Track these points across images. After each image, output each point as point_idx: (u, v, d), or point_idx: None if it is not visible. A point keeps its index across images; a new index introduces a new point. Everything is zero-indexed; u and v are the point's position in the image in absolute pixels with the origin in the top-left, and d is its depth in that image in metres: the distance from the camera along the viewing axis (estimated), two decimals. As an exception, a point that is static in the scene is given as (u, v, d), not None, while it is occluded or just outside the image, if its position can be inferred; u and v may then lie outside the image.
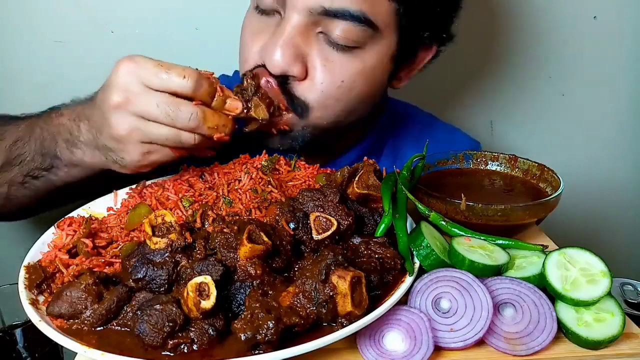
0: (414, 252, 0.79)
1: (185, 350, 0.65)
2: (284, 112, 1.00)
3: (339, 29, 0.96)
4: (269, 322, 0.63)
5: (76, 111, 0.94)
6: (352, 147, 1.25)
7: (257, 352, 0.63)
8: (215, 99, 0.85)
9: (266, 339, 0.62)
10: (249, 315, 0.64)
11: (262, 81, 0.99)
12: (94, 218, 0.90)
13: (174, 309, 0.65)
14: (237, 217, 0.84)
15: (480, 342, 0.71)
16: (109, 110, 0.83)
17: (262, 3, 1.01)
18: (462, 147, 1.31)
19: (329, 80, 0.99)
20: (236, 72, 1.32)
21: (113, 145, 0.86)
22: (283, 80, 0.99)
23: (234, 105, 0.88)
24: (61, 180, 0.99)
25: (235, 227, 0.75)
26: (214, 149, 0.92)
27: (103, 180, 0.97)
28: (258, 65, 1.02)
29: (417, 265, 0.78)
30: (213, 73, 0.88)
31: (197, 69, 0.84)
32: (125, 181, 0.96)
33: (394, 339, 0.70)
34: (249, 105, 0.92)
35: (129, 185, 0.96)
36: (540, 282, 0.76)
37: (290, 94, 1.00)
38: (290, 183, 0.95)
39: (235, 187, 0.90)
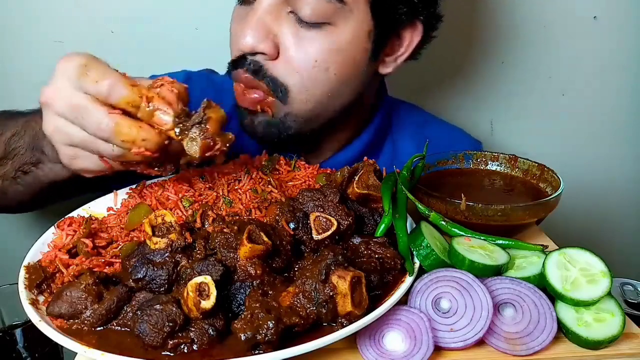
0: (414, 252, 0.79)
1: (185, 350, 0.65)
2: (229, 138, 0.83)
3: (307, 6, 0.97)
4: (269, 322, 0.63)
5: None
6: (350, 143, 1.24)
7: (257, 352, 0.63)
8: (139, 108, 0.74)
9: (266, 339, 0.62)
10: (249, 315, 0.64)
11: (241, 78, 1.00)
12: (94, 218, 0.90)
13: (174, 309, 0.65)
14: (237, 217, 0.84)
15: (480, 342, 0.71)
16: (42, 106, 0.79)
17: None
18: (463, 146, 1.31)
19: (302, 59, 1.00)
20: None
21: (49, 144, 0.82)
22: (257, 67, 1.00)
23: (162, 119, 0.75)
24: (47, 177, 0.98)
25: (235, 227, 0.76)
26: (160, 168, 0.82)
27: (91, 183, 0.95)
28: (233, 61, 1.03)
29: (417, 265, 0.78)
30: (174, 82, 0.79)
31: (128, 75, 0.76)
32: (125, 181, 0.96)
33: (394, 339, 0.70)
34: (185, 132, 0.76)
35: (129, 185, 0.96)
36: (540, 282, 0.76)
37: (267, 76, 1.01)
38: (290, 183, 0.95)
39: (235, 187, 0.90)
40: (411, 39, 1.11)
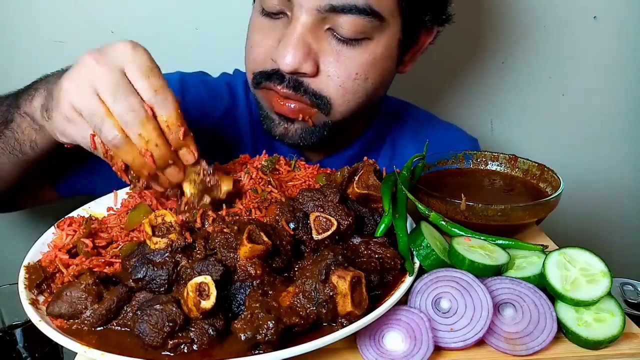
0: (414, 252, 0.79)
1: (185, 350, 0.65)
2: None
3: (347, 24, 0.98)
4: (269, 322, 0.63)
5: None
6: (352, 142, 1.25)
7: (257, 352, 0.63)
8: (172, 131, 0.79)
9: (266, 339, 0.62)
10: (249, 315, 0.64)
11: (280, 92, 1.02)
12: (94, 218, 0.90)
13: (174, 309, 0.65)
14: (237, 217, 0.84)
15: (480, 342, 0.71)
16: (80, 63, 0.80)
17: (268, 5, 1.02)
18: (460, 143, 1.31)
19: (344, 75, 1.02)
20: (237, 70, 1.33)
21: (55, 94, 0.83)
22: (295, 84, 1.02)
23: (186, 157, 0.81)
24: (15, 140, 0.99)
25: (235, 227, 0.75)
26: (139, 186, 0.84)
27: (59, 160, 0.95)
28: (267, 71, 1.04)
29: (417, 265, 0.78)
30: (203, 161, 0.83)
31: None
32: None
33: (394, 339, 0.70)
34: (194, 182, 0.84)
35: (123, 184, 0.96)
36: (540, 282, 0.76)
37: (309, 92, 1.03)
38: (290, 183, 0.95)
39: (239, 190, 0.90)
40: (426, 38, 1.15)
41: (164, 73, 1.31)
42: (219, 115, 1.23)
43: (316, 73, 1.02)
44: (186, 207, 0.85)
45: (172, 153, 0.80)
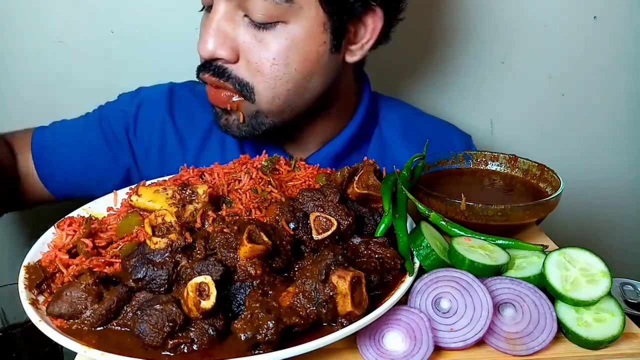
0: (414, 252, 0.79)
1: (185, 350, 0.65)
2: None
3: (258, 8, 0.99)
4: (269, 322, 0.63)
5: None
6: (334, 136, 1.24)
7: (257, 352, 0.63)
8: None
9: (266, 339, 0.62)
10: (249, 315, 0.64)
11: (207, 81, 1.05)
12: (94, 218, 0.90)
13: (174, 309, 0.65)
14: (237, 217, 0.84)
15: (480, 342, 0.71)
16: None
17: (203, 0, 1.07)
18: (452, 138, 1.30)
19: (261, 59, 1.02)
20: None
21: None
22: (219, 70, 1.03)
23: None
24: None
25: (235, 227, 0.75)
26: None
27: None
28: (198, 66, 1.07)
29: (417, 265, 0.78)
30: None
31: None
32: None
33: (394, 339, 0.70)
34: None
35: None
36: (540, 282, 0.76)
37: (232, 77, 1.04)
38: (290, 183, 0.95)
39: (235, 187, 0.90)
40: (374, 24, 1.10)
41: (156, 84, 1.34)
42: (208, 124, 1.24)
43: (236, 60, 1.03)
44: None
45: None
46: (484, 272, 0.76)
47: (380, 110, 1.32)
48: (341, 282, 0.67)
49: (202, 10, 1.11)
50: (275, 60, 1.02)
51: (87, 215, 0.91)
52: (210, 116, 1.16)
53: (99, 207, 0.94)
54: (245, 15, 1.01)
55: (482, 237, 0.84)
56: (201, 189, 0.86)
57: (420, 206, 0.88)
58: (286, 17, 1.00)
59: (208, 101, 1.12)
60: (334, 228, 0.76)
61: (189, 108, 1.27)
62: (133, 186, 0.96)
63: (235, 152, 1.21)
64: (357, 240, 0.80)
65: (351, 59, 1.13)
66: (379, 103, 1.33)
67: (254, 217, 0.85)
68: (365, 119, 1.26)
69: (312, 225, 0.77)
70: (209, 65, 1.05)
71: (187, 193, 0.86)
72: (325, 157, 1.20)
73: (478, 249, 0.80)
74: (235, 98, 1.06)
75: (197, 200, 0.85)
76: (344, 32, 1.08)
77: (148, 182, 0.96)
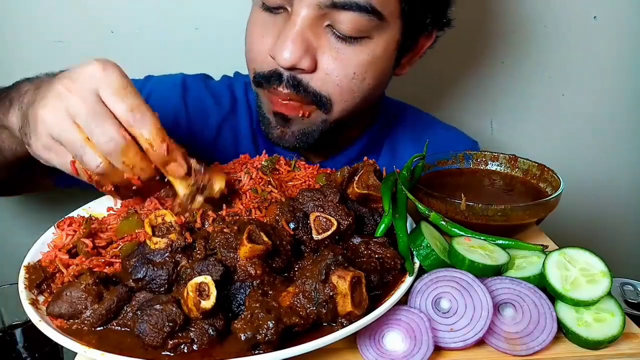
0: (414, 252, 0.79)
1: (185, 350, 0.65)
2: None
3: (347, 21, 0.97)
4: (269, 322, 0.63)
5: (40, 79, 0.93)
6: (351, 144, 1.25)
7: (257, 352, 0.63)
8: (156, 150, 0.77)
9: (266, 339, 0.62)
10: (249, 315, 0.64)
11: (282, 94, 1.02)
12: (94, 218, 0.89)
13: (174, 309, 0.65)
14: (237, 217, 0.84)
15: (480, 342, 0.71)
16: (52, 92, 0.78)
17: (268, 0, 1.02)
18: (460, 146, 1.31)
19: (342, 73, 1.02)
20: (237, 73, 1.33)
21: (32, 121, 0.82)
22: (295, 82, 1.01)
23: (175, 171, 0.81)
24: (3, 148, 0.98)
25: (235, 227, 0.75)
26: (122, 195, 0.85)
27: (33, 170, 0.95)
28: (265, 74, 1.03)
29: (417, 265, 0.78)
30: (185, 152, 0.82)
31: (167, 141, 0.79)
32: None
33: (394, 339, 0.70)
34: (189, 187, 0.83)
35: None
36: (540, 282, 0.76)
37: (310, 91, 1.02)
38: (290, 183, 0.95)
39: (235, 187, 0.90)
40: (425, 42, 1.14)
41: (166, 74, 1.31)
42: (220, 119, 1.23)
43: (314, 70, 1.01)
44: (180, 209, 0.84)
45: (158, 171, 0.80)
46: (484, 272, 0.76)
47: (393, 117, 1.34)
48: (341, 282, 0.67)
49: (262, 8, 1.04)
50: (355, 75, 1.02)
51: (87, 215, 0.91)
52: (222, 111, 1.14)
53: (99, 207, 0.93)
54: (329, 25, 0.99)
55: (482, 237, 0.84)
56: (218, 185, 0.84)
57: (420, 206, 0.88)
58: (372, 32, 1.00)
59: (220, 95, 1.10)
60: (334, 228, 0.76)
61: (201, 101, 1.25)
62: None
63: (246, 149, 1.21)
64: (357, 240, 0.80)
65: (401, 72, 1.16)
66: (392, 110, 1.34)
67: (254, 217, 0.85)
68: (381, 128, 1.28)
69: (312, 225, 0.77)
70: (279, 75, 1.01)
71: (203, 181, 0.83)
72: (338, 165, 1.19)
73: (478, 249, 0.80)
74: (307, 106, 1.04)
75: (208, 192, 0.83)
76: (408, 50, 1.11)
77: None
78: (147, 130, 0.77)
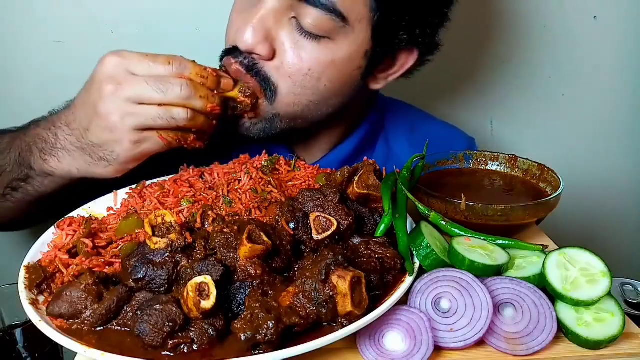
0: (414, 252, 0.79)
1: (185, 350, 0.65)
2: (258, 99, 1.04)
3: (310, 17, 0.98)
4: (269, 322, 0.63)
5: (51, 120, 0.97)
6: (341, 142, 1.25)
7: (257, 352, 0.63)
8: (207, 77, 0.93)
9: (266, 339, 0.62)
10: (249, 315, 0.64)
11: (232, 68, 1.03)
12: (94, 218, 0.90)
13: (174, 309, 0.65)
14: (237, 217, 0.84)
15: (480, 342, 0.71)
16: (98, 101, 0.85)
17: None
18: (456, 142, 1.31)
19: (296, 66, 1.01)
20: None
21: (104, 138, 0.87)
22: (250, 63, 1.02)
23: (228, 84, 0.97)
24: (36, 191, 1.01)
25: (235, 227, 0.75)
26: (202, 140, 0.97)
27: (77, 194, 0.98)
28: (227, 49, 1.06)
29: (417, 265, 0.78)
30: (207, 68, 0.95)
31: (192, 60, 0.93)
32: (124, 182, 0.97)
33: (394, 339, 0.70)
34: (240, 92, 1.01)
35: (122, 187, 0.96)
36: (540, 282, 0.76)
37: (260, 74, 1.02)
38: (290, 183, 0.95)
39: (235, 187, 0.90)
40: (406, 60, 1.13)
41: None
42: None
43: (271, 58, 1.02)
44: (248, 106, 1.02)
45: (217, 93, 0.95)
46: (484, 272, 0.76)
47: (386, 114, 1.33)
48: (341, 282, 0.67)
49: None
50: (310, 71, 1.02)
51: (87, 215, 0.91)
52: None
53: (99, 207, 0.93)
54: (294, 17, 0.99)
55: (482, 237, 0.84)
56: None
57: (420, 206, 0.88)
58: (334, 34, 1.00)
59: None
60: (334, 228, 0.76)
61: None
62: (134, 186, 0.96)
63: (241, 149, 1.21)
64: (357, 240, 0.80)
65: (374, 86, 1.15)
66: (386, 108, 1.33)
67: (254, 217, 0.85)
68: (373, 126, 1.27)
69: (312, 225, 0.77)
70: (238, 54, 1.03)
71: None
72: (331, 164, 1.19)
73: (478, 249, 0.80)
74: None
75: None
76: (381, 62, 1.09)
77: (148, 182, 0.96)
78: (190, 69, 0.90)
